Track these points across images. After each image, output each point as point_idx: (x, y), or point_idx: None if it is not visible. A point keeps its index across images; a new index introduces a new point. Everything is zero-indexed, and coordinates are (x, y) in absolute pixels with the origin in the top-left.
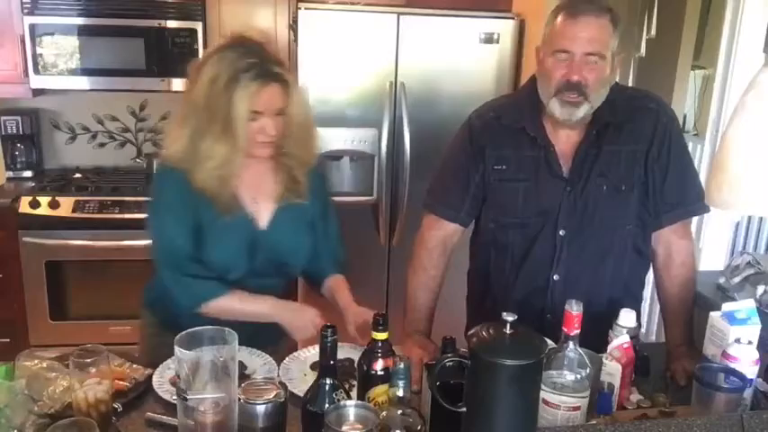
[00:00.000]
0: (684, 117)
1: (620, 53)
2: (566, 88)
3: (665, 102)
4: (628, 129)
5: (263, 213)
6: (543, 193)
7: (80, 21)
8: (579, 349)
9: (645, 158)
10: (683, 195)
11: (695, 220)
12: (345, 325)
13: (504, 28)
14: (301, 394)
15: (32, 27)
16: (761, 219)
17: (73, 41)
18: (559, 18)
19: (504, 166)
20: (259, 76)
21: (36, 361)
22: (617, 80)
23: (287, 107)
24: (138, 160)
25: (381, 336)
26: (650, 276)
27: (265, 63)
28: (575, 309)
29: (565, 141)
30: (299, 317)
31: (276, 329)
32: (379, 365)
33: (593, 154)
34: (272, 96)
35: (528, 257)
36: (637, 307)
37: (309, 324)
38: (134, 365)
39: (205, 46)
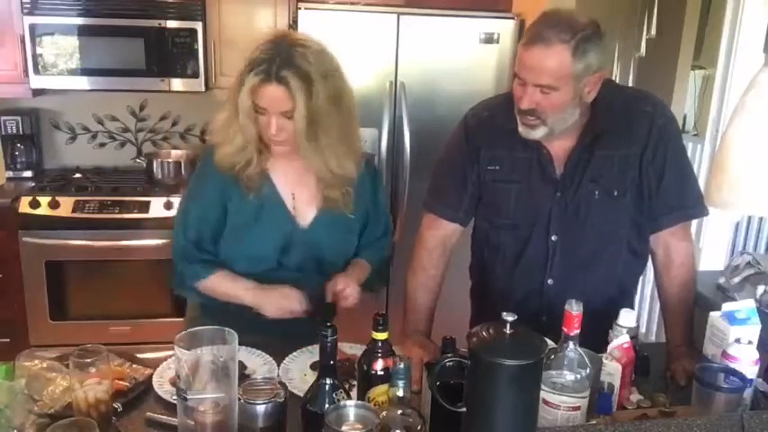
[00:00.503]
0: (684, 117)
1: (600, 69)
2: (520, 112)
3: (665, 103)
4: (622, 134)
5: (303, 212)
6: (535, 196)
7: (80, 21)
8: (579, 349)
9: (639, 162)
10: (681, 198)
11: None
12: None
13: (504, 28)
14: (301, 394)
15: (32, 27)
16: (761, 219)
17: (73, 41)
18: (521, 43)
19: (497, 167)
20: (264, 72)
21: (36, 361)
22: (617, 80)
23: (294, 111)
24: (138, 160)
25: (381, 336)
26: (651, 276)
27: (277, 63)
28: (575, 309)
29: (558, 147)
30: (271, 305)
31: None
32: (379, 365)
33: (585, 159)
34: (274, 97)
35: (521, 260)
36: (630, 304)
37: (280, 311)
38: (134, 365)
39: (205, 46)
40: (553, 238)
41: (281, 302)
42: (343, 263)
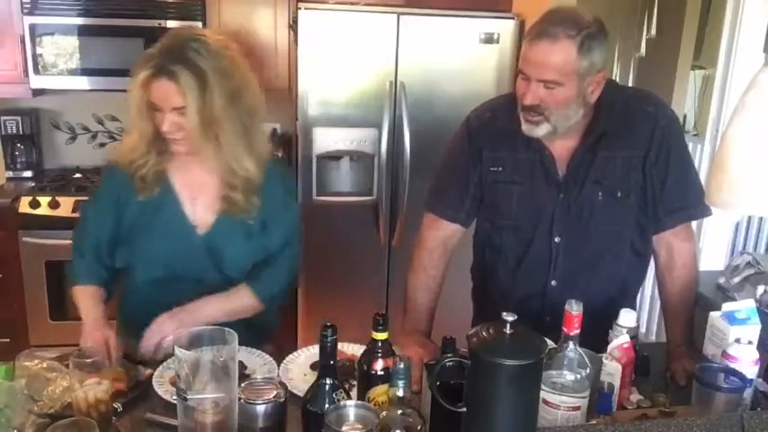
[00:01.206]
0: (684, 117)
1: (603, 68)
2: (523, 109)
3: (666, 103)
4: (624, 134)
5: (203, 217)
6: (537, 198)
7: (80, 21)
8: (579, 349)
9: (642, 163)
10: (684, 199)
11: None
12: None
13: (504, 28)
14: (301, 394)
15: (32, 27)
16: (761, 219)
17: (73, 41)
18: (526, 38)
19: (499, 168)
20: (153, 67)
21: (36, 361)
22: (617, 80)
23: (186, 108)
24: None
25: (381, 336)
26: (652, 276)
27: (167, 57)
28: (575, 309)
29: (560, 148)
30: (83, 339)
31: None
32: (379, 365)
33: (588, 160)
34: (164, 92)
35: (524, 262)
36: (632, 304)
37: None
38: (135, 365)
39: None
40: (556, 239)
41: (86, 339)
42: (244, 275)
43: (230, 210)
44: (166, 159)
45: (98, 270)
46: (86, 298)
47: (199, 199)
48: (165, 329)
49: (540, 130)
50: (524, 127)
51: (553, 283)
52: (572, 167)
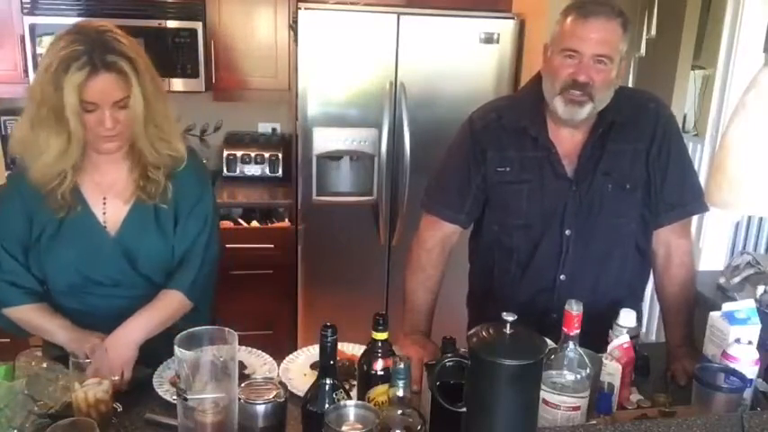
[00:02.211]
0: (684, 117)
1: (628, 57)
2: (571, 86)
3: (663, 101)
4: (630, 127)
5: (114, 215)
6: (548, 194)
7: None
8: (579, 349)
9: (646, 157)
10: (682, 195)
11: (695, 220)
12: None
13: (504, 28)
14: (301, 394)
15: (32, 27)
16: (761, 219)
17: None
18: (570, 17)
19: (507, 168)
20: (88, 63)
21: (36, 361)
22: None
23: (129, 99)
24: None
25: (381, 336)
26: (651, 276)
27: (100, 51)
28: (575, 309)
29: (569, 141)
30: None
31: None
32: (379, 365)
33: (598, 153)
34: (106, 86)
35: (534, 258)
36: (638, 306)
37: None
38: (136, 365)
39: (205, 46)
40: (567, 232)
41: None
42: (162, 273)
43: (146, 194)
44: (78, 168)
45: (34, 286)
46: (39, 314)
47: (108, 197)
48: (109, 366)
49: (583, 112)
50: (565, 110)
51: (562, 277)
52: (582, 160)
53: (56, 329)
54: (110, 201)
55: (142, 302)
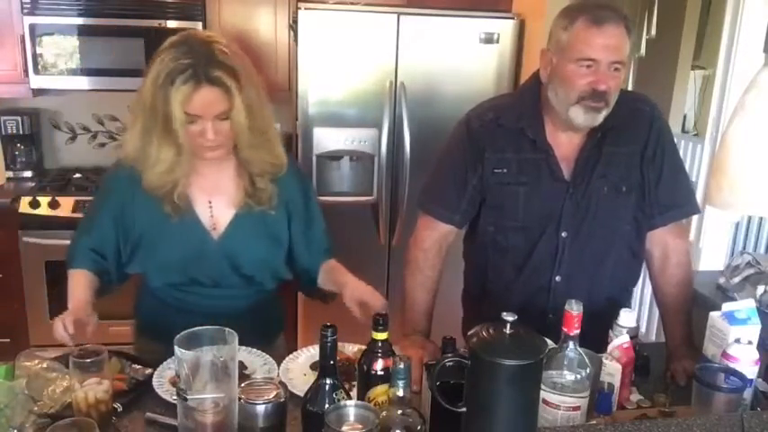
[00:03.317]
0: (684, 117)
1: (629, 58)
2: (591, 96)
3: (656, 104)
4: (626, 131)
5: (220, 219)
6: (545, 196)
7: (80, 21)
8: (579, 349)
9: (641, 159)
10: (676, 196)
11: (696, 220)
12: (345, 302)
13: (504, 28)
14: (301, 394)
15: (32, 27)
16: (761, 219)
17: (73, 41)
18: (580, 24)
19: (504, 170)
20: (192, 77)
21: (36, 361)
22: None
23: (230, 111)
24: None
25: (381, 336)
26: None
27: (205, 64)
28: (575, 309)
29: (566, 144)
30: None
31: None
32: (379, 365)
33: (595, 156)
34: (208, 100)
35: (530, 260)
36: (629, 304)
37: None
38: (134, 365)
39: None
40: (563, 234)
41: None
42: (267, 279)
43: (254, 201)
44: (187, 173)
45: (95, 258)
46: (78, 280)
47: (214, 201)
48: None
49: (600, 117)
50: (584, 118)
51: (558, 278)
52: (580, 163)
53: (70, 298)
54: (215, 204)
55: (239, 302)
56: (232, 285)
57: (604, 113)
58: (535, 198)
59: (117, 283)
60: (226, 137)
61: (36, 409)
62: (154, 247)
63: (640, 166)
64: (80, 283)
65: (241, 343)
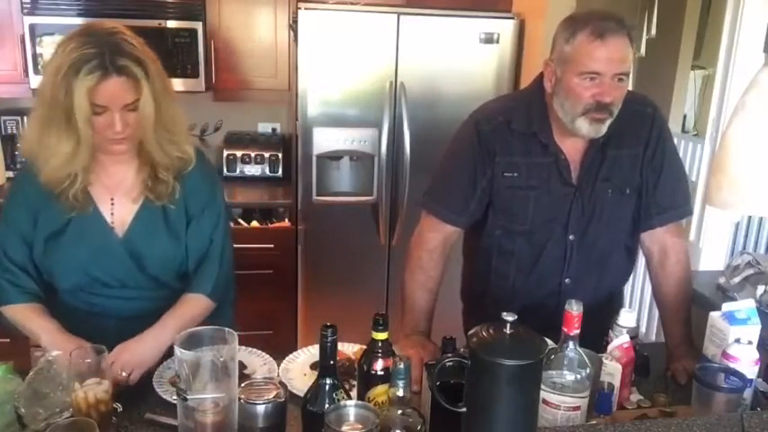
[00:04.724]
0: (684, 117)
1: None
2: (596, 108)
3: (657, 105)
4: (628, 133)
5: (122, 216)
6: (554, 200)
7: (80, 21)
8: (579, 349)
9: (641, 161)
10: (674, 198)
11: (695, 220)
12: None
13: (504, 28)
14: (301, 394)
15: (32, 27)
16: (761, 219)
17: None
18: (583, 37)
19: (515, 174)
20: (99, 67)
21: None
22: None
23: (138, 102)
24: None
25: (381, 336)
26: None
27: (111, 54)
28: (575, 309)
29: (572, 148)
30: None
31: None
32: (379, 365)
33: (599, 159)
34: (117, 90)
35: (538, 264)
36: (622, 303)
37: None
38: None
39: (205, 46)
40: (571, 237)
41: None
42: (171, 274)
43: (154, 195)
44: (87, 169)
45: (32, 286)
46: (31, 315)
47: (116, 197)
48: (127, 364)
49: (604, 128)
50: (589, 129)
51: (567, 281)
52: (585, 166)
53: (39, 331)
54: (117, 201)
55: (148, 303)
56: (139, 286)
57: (608, 123)
58: (544, 202)
59: (46, 297)
60: (133, 128)
61: (37, 408)
62: (58, 248)
63: (641, 168)
64: (35, 317)
65: None
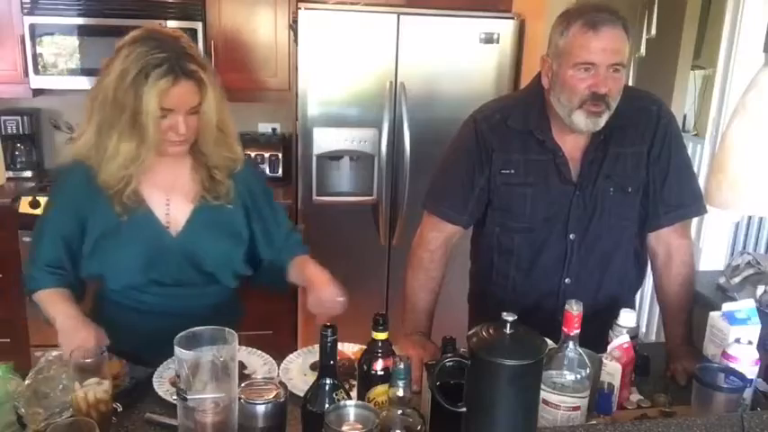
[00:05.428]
0: (684, 117)
1: (629, 57)
2: (591, 99)
3: (664, 102)
4: (631, 130)
5: (177, 216)
6: (552, 198)
7: (80, 21)
8: (579, 349)
9: (647, 159)
10: (681, 196)
11: (695, 220)
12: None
13: (504, 28)
14: (301, 394)
15: (32, 27)
16: (761, 219)
17: (73, 41)
18: (576, 29)
19: (511, 171)
20: (170, 71)
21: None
22: None
23: (201, 105)
24: None
25: (381, 336)
26: (649, 277)
27: (178, 59)
28: (575, 309)
29: (572, 145)
30: (65, 339)
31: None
32: (379, 365)
33: (600, 157)
34: (184, 94)
35: (537, 263)
36: (632, 304)
37: (70, 347)
38: (134, 365)
39: (205, 46)
40: (571, 236)
41: (73, 339)
42: (227, 274)
43: (212, 195)
44: (141, 173)
45: (59, 277)
46: (56, 298)
47: (172, 198)
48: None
49: (601, 121)
50: (586, 122)
51: (567, 280)
52: (586, 164)
53: (56, 315)
54: (173, 201)
55: (201, 299)
56: (194, 284)
57: (606, 116)
58: (542, 199)
59: (80, 293)
60: (193, 131)
61: (37, 408)
62: (111, 249)
63: (647, 166)
64: (60, 300)
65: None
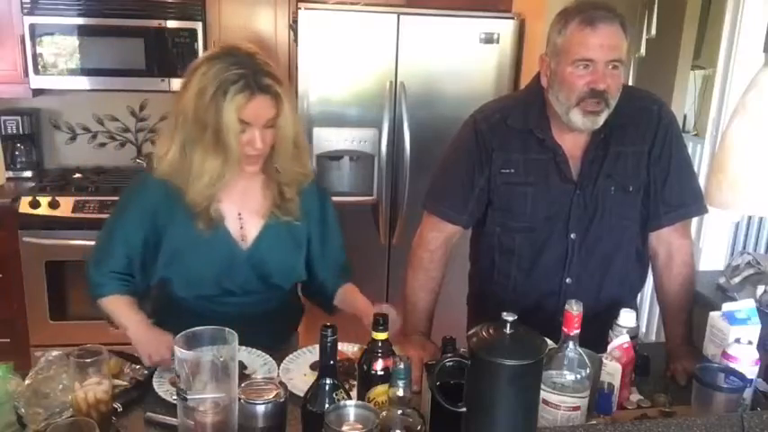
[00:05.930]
0: (684, 117)
1: (628, 57)
2: (590, 96)
3: (665, 102)
4: (632, 129)
5: (248, 230)
6: (552, 197)
7: (80, 21)
8: (579, 349)
9: (647, 159)
10: (682, 196)
11: (695, 220)
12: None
13: (504, 28)
14: (301, 394)
15: (32, 27)
16: (761, 219)
17: (73, 41)
18: (574, 26)
19: (511, 170)
20: (247, 87)
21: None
22: None
23: (277, 119)
24: (138, 160)
25: (381, 336)
26: (650, 276)
27: (255, 74)
28: (575, 309)
29: (572, 144)
30: (145, 347)
31: (279, 332)
32: (379, 365)
33: (601, 156)
34: (261, 108)
35: (538, 263)
36: (634, 305)
37: (152, 355)
38: (134, 365)
39: (205, 46)
40: (572, 236)
41: (149, 346)
42: (290, 283)
43: (282, 212)
44: (221, 188)
45: (125, 283)
46: (123, 305)
47: (244, 213)
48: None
49: (600, 119)
50: (584, 120)
51: (568, 280)
52: (586, 163)
53: (128, 323)
54: (245, 216)
55: (264, 305)
56: (259, 291)
57: (604, 115)
58: (543, 199)
59: (141, 298)
60: (269, 146)
61: (37, 408)
62: (185, 262)
63: (647, 166)
64: (128, 307)
65: (261, 343)
